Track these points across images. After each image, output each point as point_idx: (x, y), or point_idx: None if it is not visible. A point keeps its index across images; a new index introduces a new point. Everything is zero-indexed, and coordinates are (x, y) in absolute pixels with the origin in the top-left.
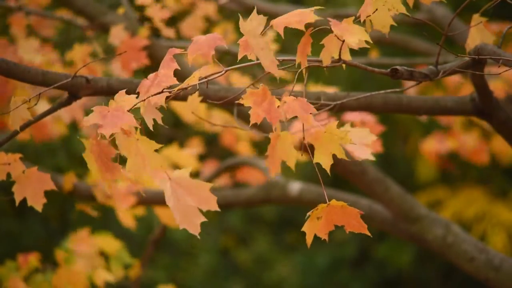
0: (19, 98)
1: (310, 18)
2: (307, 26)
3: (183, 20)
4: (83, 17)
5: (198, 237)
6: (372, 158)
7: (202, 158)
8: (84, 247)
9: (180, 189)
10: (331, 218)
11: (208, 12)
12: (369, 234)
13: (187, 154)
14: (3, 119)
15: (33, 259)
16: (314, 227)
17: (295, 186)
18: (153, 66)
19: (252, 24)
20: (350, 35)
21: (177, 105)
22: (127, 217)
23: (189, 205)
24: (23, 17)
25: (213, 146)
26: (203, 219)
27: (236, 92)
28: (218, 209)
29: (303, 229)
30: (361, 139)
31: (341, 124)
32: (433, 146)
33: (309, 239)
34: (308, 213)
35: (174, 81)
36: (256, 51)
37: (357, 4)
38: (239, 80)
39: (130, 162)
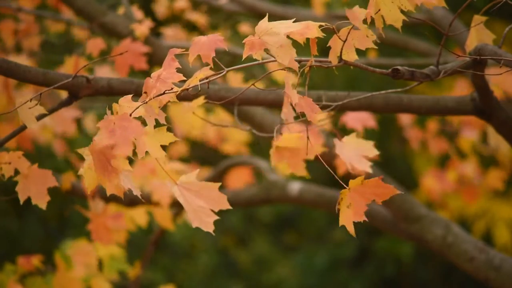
0: (24, 99)
1: (313, 33)
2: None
3: (170, 27)
4: (83, 17)
5: (213, 233)
6: (370, 170)
7: (186, 161)
8: (82, 253)
9: (187, 192)
10: (359, 199)
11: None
12: (399, 192)
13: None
14: None
15: (35, 261)
16: (349, 215)
17: (295, 186)
18: (153, 65)
19: (268, 23)
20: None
21: (171, 111)
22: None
23: (199, 205)
24: (13, 23)
25: (197, 148)
26: (215, 217)
27: (236, 92)
28: (229, 207)
29: (341, 223)
30: (362, 152)
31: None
32: (433, 184)
33: (350, 228)
34: (337, 206)
35: (180, 77)
36: (273, 49)
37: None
38: (235, 78)
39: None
